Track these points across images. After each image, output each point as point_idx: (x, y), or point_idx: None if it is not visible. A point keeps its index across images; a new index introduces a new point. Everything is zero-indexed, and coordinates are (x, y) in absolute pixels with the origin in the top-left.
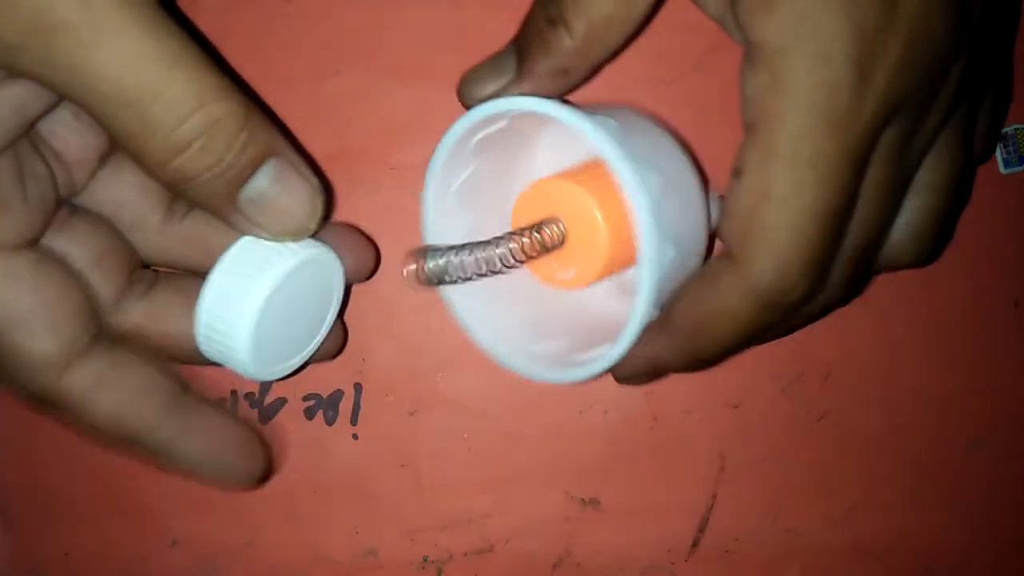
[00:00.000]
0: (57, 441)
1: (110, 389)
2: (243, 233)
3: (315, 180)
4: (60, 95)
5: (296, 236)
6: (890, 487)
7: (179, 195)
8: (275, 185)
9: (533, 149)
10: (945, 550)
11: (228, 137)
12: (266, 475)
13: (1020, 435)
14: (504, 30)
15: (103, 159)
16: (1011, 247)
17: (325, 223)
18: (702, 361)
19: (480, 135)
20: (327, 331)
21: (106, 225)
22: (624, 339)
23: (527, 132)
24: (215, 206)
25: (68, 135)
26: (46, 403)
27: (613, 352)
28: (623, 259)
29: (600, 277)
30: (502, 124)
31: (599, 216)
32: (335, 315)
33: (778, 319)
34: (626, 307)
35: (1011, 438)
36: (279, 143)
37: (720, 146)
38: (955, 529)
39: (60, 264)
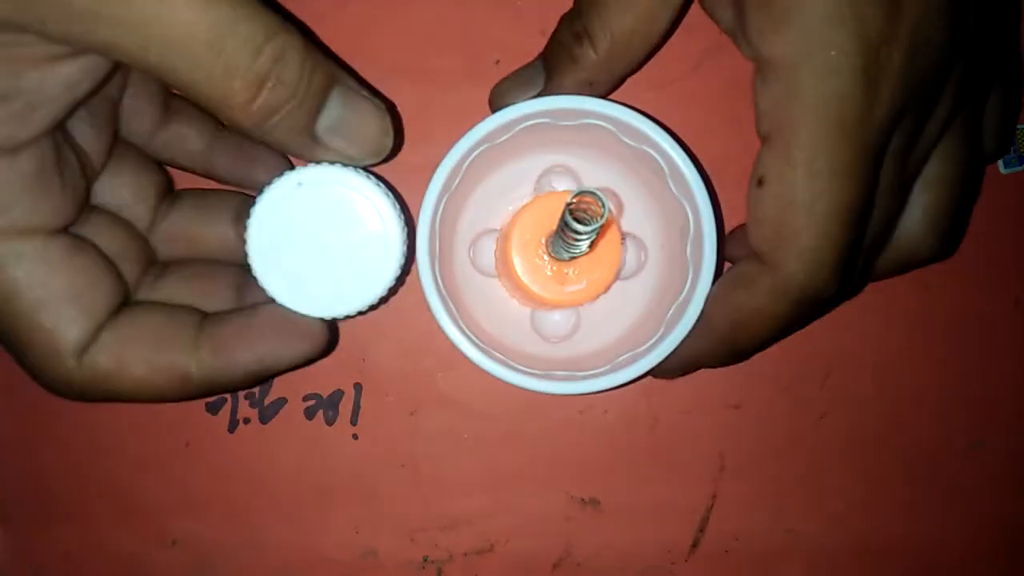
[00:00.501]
0: (57, 441)
1: (133, 350)
2: (326, 162)
3: (380, 101)
4: (131, 60)
5: (376, 156)
6: (890, 487)
7: (263, 137)
8: (347, 110)
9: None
10: (945, 550)
11: (297, 66)
12: (332, 343)
13: (1020, 435)
14: (504, 30)
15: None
16: (1011, 247)
17: (398, 144)
18: (739, 357)
19: (484, 147)
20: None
21: (122, 220)
22: (666, 347)
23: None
24: (298, 142)
25: (86, 131)
26: (76, 388)
27: (652, 358)
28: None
29: (607, 290)
30: (506, 137)
31: (617, 229)
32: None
33: (809, 314)
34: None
35: (1011, 438)
36: (339, 71)
37: (720, 146)
38: (955, 529)
39: (92, 251)
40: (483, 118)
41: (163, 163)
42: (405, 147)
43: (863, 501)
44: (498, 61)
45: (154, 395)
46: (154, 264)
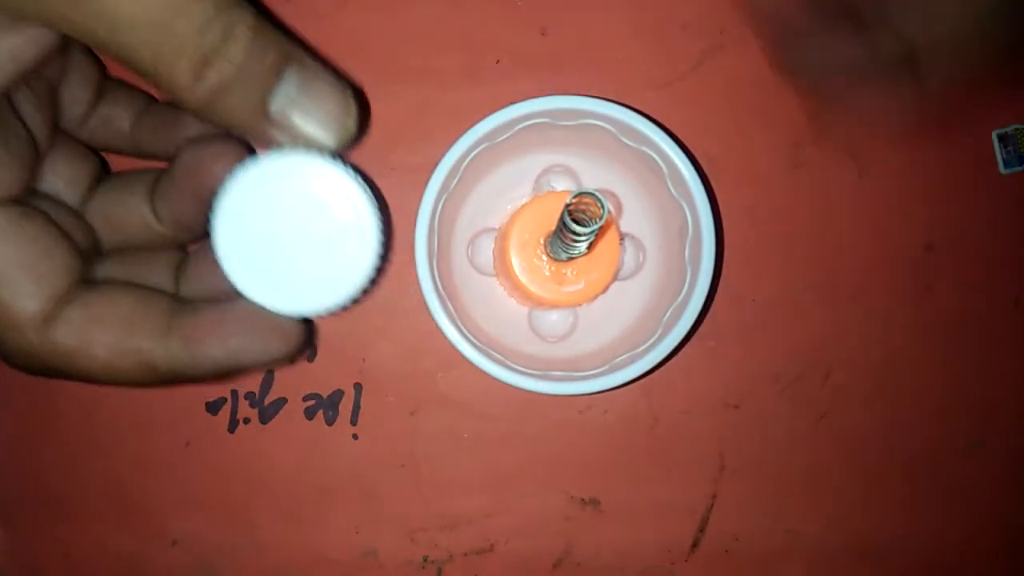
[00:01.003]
0: (57, 441)
1: (100, 331)
2: (292, 148)
3: (341, 81)
4: (80, 34)
5: (340, 135)
6: (890, 487)
7: (212, 118)
8: (303, 88)
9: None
10: (945, 550)
11: (246, 43)
12: (307, 344)
13: (1020, 435)
14: (504, 30)
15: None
16: (1011, 247)
17: (363, 127)
18: None
19: (483, 146)
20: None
21: (63, 203)
22: (664, 348)
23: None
24: (251, 122)
25: (32, 112)
26: (36, 362)
27: (650, 358)
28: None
29: (605, 291)
30: (505, 135)
31: (616, 230)
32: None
33: None
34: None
35: (1011, 438)
36: (296, 50)
37: (720, 146)
38: (955, 529)
39: (43, 220)
40: (482, 118)
41: (95, 148)
42: (405, 147)
43: (863, 501)
44: (498, 61)
45: (117, 379)
46: (99, 251)
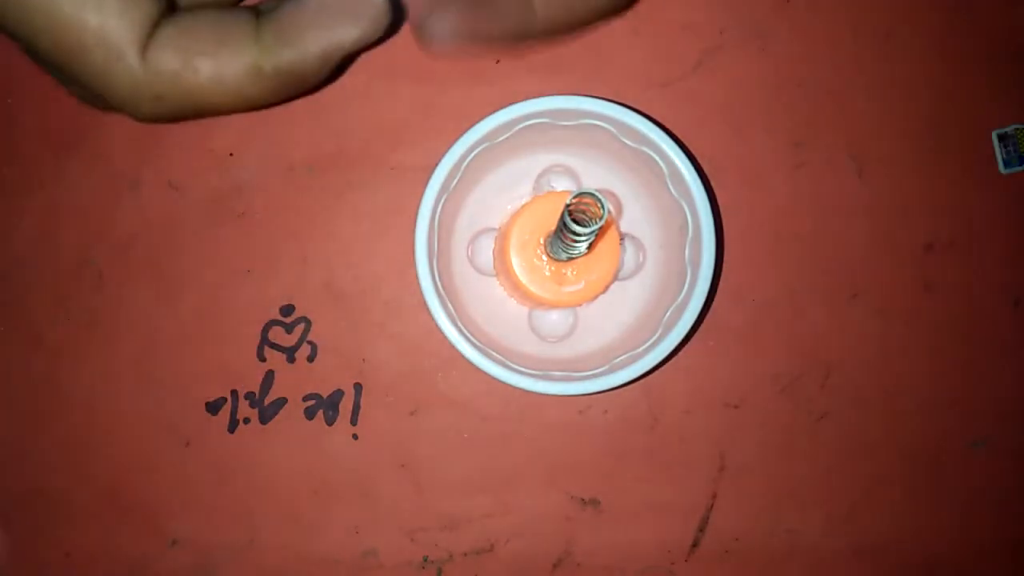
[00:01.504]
0: (57, 441)
1: (197, 43)
2: None
3: None
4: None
5: None
6: (890, 487)
7: None
8: None
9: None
10: (945, 550)
11: None
12: (396, 22)
13: (1021, 435)
14: None
15: None
16: (1011, 247)
17: None
18: None
19: (483, 146)
20: None
21: None
22: (664, 348)
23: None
24: None
25: None
26: (146, 94)
27: (650, 358)
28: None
29: (605, 291)
30: (505, 136)
31: (616, 230)
32: None
33: None
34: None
35: (1011, 438)
36: None
37: (720, 146)
38: (955, 529)
39: None
40: (482, 118)
41: None
42: (405, 147)
43: (863, 501)
44: (498, 61)
45: (228, 95)
46: None
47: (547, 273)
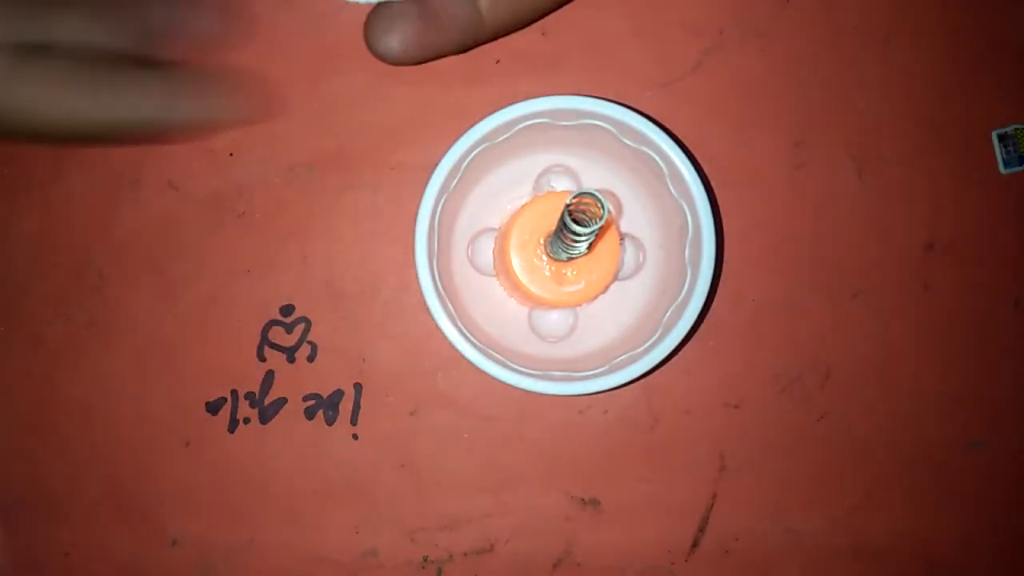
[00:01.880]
0: (57, 441)
1: (57, 87)
2: None
3: None
4: None
5: None
6: (890, 487)
7: None
8: None
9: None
10: (945, 550)
11: None
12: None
13: (1020, 435)
14: None
15: None
16: (1011, 247)
17: None
18: None
19: (483, 146)
20: None
21: None
22: (664, 348)
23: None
24: None
25: None
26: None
27: (650, 359)
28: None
29: (605, 291)
30: (505, 135)
31: (616, 230)
32: None
33: None
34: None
35: (1011, 438)
36: None
37: (720, 146)
38: (955, 529)
39: None
40: (482, 118)
41: None
42: (405, 147)
43: (863, 501)
44: (498, 61)
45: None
46: None
47: (547, 273)
